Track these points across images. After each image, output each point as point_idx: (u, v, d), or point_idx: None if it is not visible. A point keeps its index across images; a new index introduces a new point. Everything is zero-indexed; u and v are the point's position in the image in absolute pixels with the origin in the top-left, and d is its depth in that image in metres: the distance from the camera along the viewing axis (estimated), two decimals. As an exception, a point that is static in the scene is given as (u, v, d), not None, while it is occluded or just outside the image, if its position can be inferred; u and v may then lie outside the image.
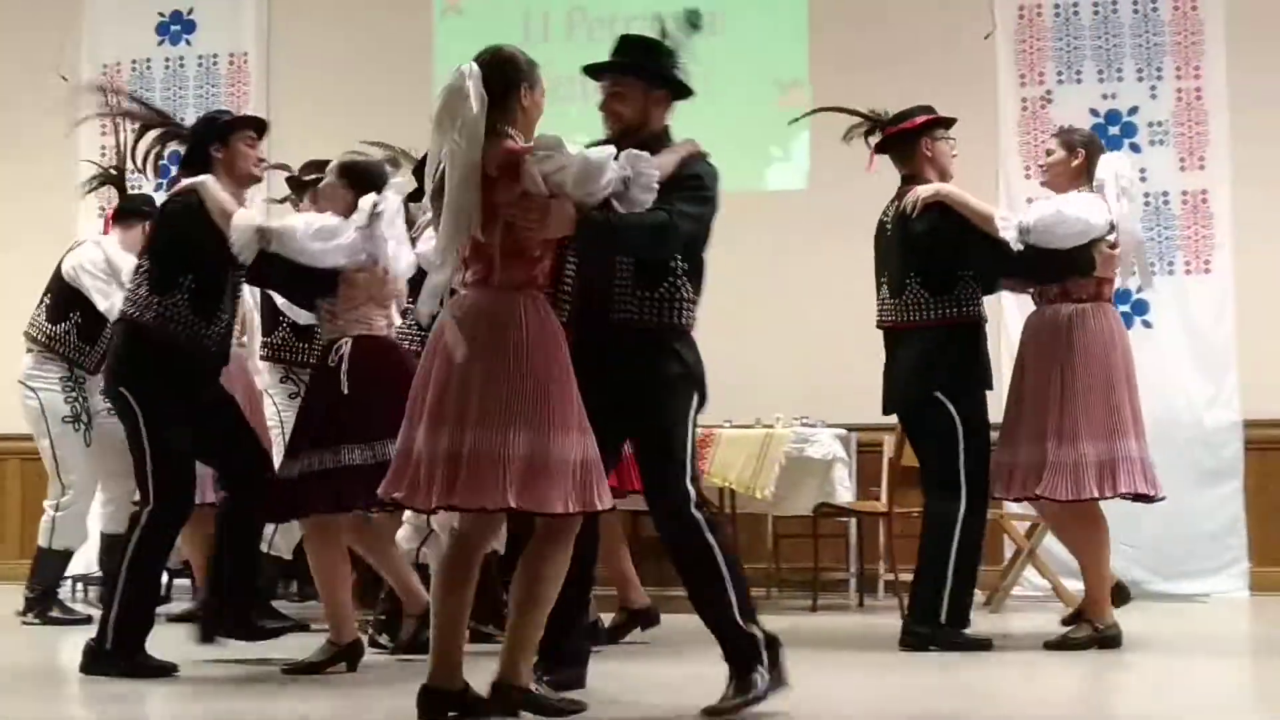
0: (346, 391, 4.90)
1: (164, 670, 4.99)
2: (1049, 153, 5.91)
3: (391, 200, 5.10)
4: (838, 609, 7.26)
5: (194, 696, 4.74)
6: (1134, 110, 8.04)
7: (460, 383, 3.80)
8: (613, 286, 4.27)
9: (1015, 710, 4.52)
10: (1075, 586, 6.12)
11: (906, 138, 5.78)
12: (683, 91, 4.42)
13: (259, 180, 5.38)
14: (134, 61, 9.13)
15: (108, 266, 6.59)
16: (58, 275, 6.77)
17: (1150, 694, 4.88)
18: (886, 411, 5.82)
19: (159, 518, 4.99)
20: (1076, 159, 5.78)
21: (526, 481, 3.77)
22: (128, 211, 6.70)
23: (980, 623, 5.90)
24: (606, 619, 5.69)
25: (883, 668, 5.23)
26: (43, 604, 6.70)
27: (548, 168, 3.83)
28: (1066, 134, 5.97)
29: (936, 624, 5.48)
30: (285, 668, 5.02)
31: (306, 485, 4.91)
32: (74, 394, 6.73)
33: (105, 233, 6.89)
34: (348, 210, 5.05)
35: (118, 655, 4.94)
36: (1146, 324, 7.86)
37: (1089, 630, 5.54)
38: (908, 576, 6.53)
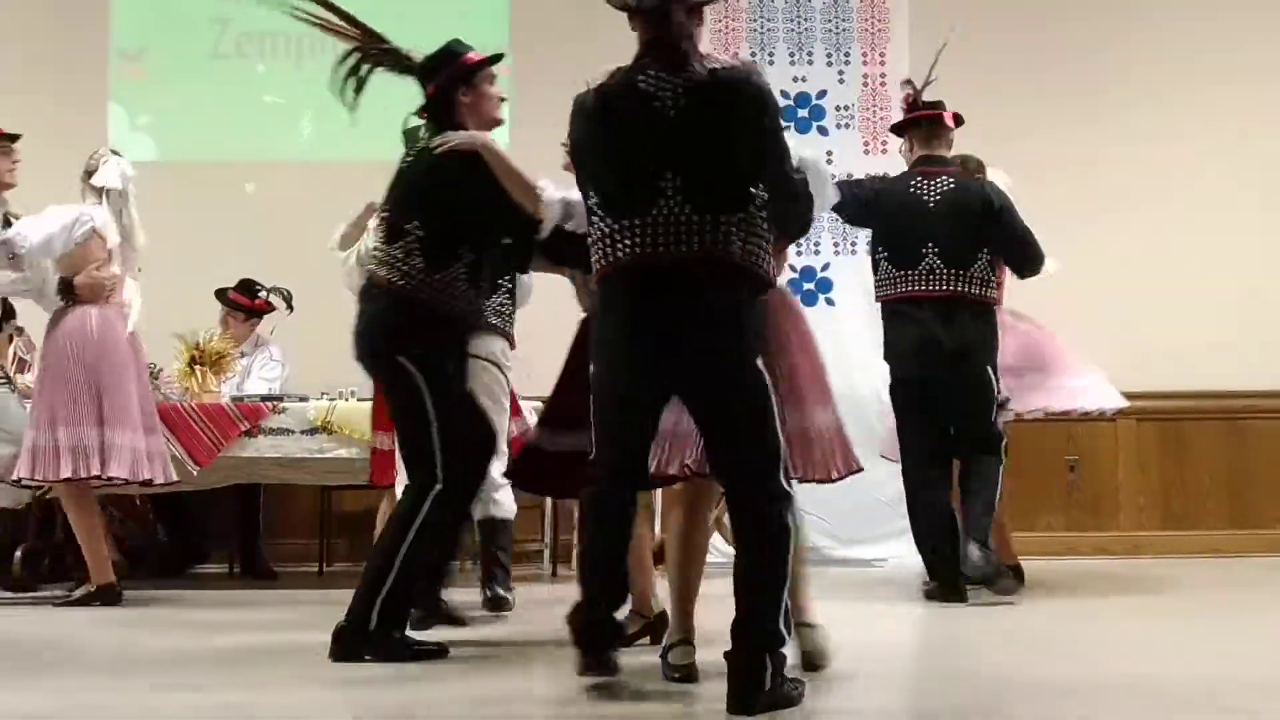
0: None
1: (435, 652, 4.54)
2: None
3: None
4: (533, 579, 7.38)
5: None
6: (823, 94, 8.31)
7: None
8: None
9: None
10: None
11: (941, 122, 6.27)
12: None
13: (501, 123, 4.83)
14: None
15: None
16: None
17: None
18: (926, 376, 6.20)
19: (447, 499, 4.45)
20: None
21: None
22: None
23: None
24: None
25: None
26: None
27: None
28: None
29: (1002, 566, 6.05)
30: None
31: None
32: None
33: None
34: None
35: (381, 636, 4.44)
36: (830, 301, 8.15)
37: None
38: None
